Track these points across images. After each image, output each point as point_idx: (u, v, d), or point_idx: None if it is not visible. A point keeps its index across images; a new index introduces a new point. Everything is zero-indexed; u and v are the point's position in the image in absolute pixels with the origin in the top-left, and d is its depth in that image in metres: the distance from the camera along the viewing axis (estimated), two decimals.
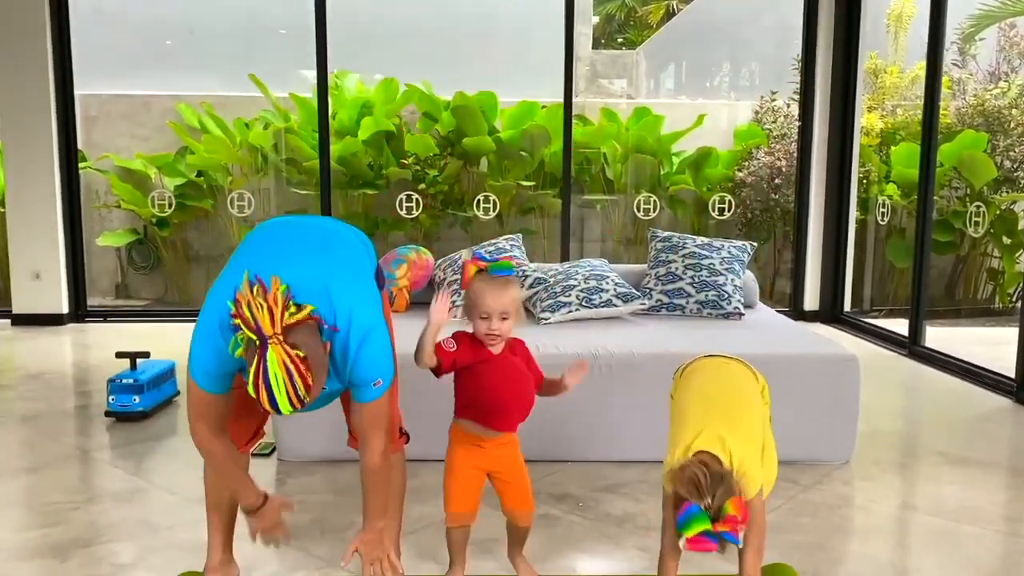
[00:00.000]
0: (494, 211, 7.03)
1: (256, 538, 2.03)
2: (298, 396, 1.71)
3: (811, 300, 6.58)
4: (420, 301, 4.24)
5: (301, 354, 1.71)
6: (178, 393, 4.15)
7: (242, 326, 1.71)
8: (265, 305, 1.71)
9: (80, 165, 6.91)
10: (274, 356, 1.68)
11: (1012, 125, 7.35)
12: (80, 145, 7.05)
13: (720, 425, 1.97)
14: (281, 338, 1.70)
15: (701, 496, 1.78)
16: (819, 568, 2.53)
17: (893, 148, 7.60)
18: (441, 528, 2.73)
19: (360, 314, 1.89)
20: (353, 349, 1.88)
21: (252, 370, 1.69)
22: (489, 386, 2.19)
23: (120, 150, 7.27)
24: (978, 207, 6.71)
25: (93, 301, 6.58)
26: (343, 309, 1.87)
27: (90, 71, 7.04)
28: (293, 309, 1.74)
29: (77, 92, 6.33)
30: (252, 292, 1.73)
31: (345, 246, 2.05)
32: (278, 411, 1.71)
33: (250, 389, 1.70)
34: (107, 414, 3.83)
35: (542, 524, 2.71)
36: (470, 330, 2.16)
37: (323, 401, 2.03)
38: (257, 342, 1.70)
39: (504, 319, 2.10)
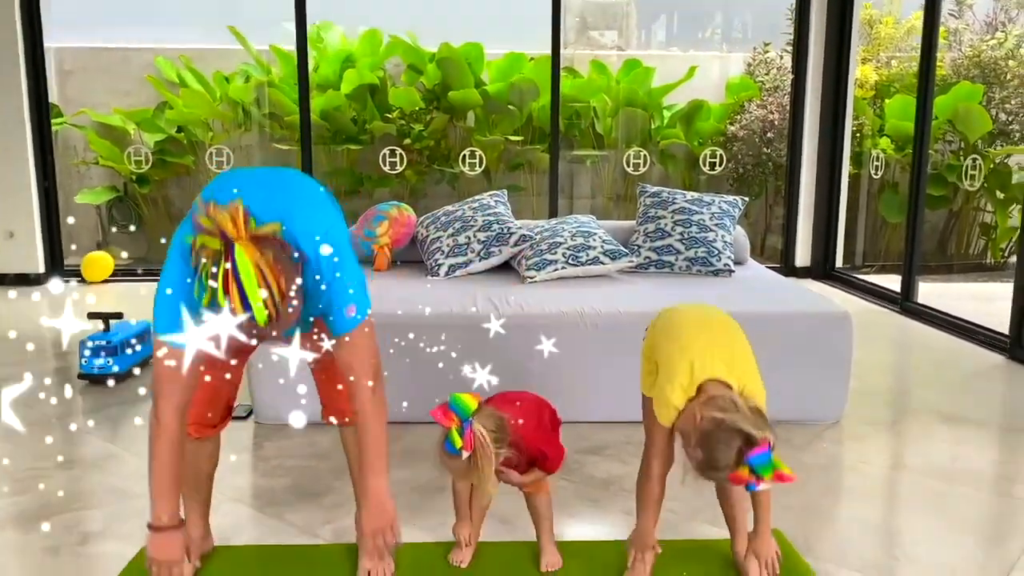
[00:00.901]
0: (481, 167, 6.89)
1: (150, 568, 1.83)
2: (273, 300, 1.58)
3: (803, 256, 6.49)
4: (401, 259, 4.13)
5: (271, 259, 1.59)
6: None
7: (205, 242, 1.59)
8: (227, 214, 1.60)
9: (56, 121, 6.72)
10: (243, 255, 1.56)
11: (1008, 77, 7.21)
12: (55, 100, 6.86)
13: (718, 349, 1.87)
14: (249, 241, 1.58)
15: (754, 436, 1.69)
16: (809, 532, 2.47)
17: (887, 101, 7.45)
18: (427, 492, 2.66)
19: (329, 241, 1.77)
20: (324, 278, 1.76)
21: (221, 272, 1.55)
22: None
23: (97, 105, 7.06)
24: (974, 160, 6.61)
25: (73, 260, 6.44)
26: (308, 238, 1.75)
27: (65, 23, 6.82)
28: (254, 224, 1.62)
29: (51, 45, 6.11)
30: (211, 208, 1.61)
31: (306, 185, 1.93)
32: (252, 315, 1.57)
33: (220, 296, 1.56)
34: (80, 376, 3.73)
35: None
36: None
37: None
38: (223, 250, 1.57)
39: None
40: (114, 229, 7.20)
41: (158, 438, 1.80)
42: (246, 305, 1.56)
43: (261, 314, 1.57)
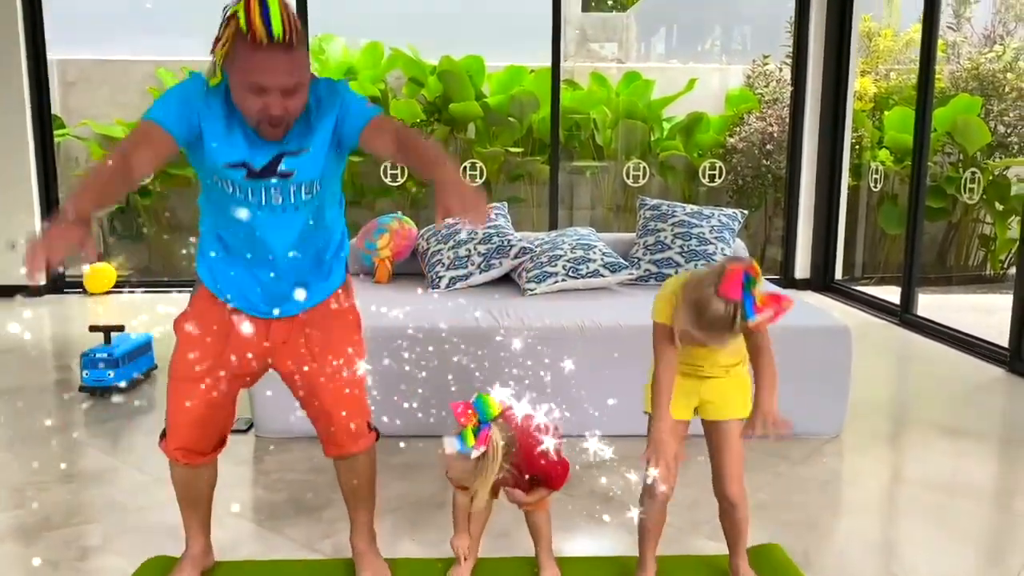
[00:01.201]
0: (481, 178, 6.90)
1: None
2: (290, 20, 1.67)
3: (802, 268, 6.50)
4: (402, 272, 4.14)
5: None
6: (155, 367, 4.05)
7: None
8: None
9: (58, 132, 6.74)
10: None
11: (1006, 89, 7.24)
12: (58, 111, 6.88)
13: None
14: None
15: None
16: (810, 547, 2.47)
17: (886, 113, 7.48)
18: (426, 507, 2.66)
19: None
20: (337, 92, 1.86)
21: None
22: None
23: (99, 117, 7.09)
24: (973, 173, 6.63)
25: (74, 271, 6.44)
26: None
27: (69, 36, 6.84)
28: None
29: (54, 57, 6.14)
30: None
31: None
32: (269, 26, 1.65)
33: (240, 14, 1.66)
34: (81, 389, 3.73)
35: None
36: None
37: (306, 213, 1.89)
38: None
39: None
40: (116, 240, 7.22)
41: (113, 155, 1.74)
42: (265, 16, 1.64)
43: (277, 23, 1.65)
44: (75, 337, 4.81)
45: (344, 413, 2.01)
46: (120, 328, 3.90)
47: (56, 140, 6.32)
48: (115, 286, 6.29)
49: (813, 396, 3.26)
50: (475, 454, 1.80)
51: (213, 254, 1.93)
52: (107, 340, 3.83)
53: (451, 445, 1.82)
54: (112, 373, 3.71)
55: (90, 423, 3.50)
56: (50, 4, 6.00)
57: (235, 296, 1.94)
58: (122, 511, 2.67)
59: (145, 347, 4.00)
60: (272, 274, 1.91)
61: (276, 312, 1.93)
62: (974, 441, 3.32)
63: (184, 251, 7.10)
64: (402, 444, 2.82)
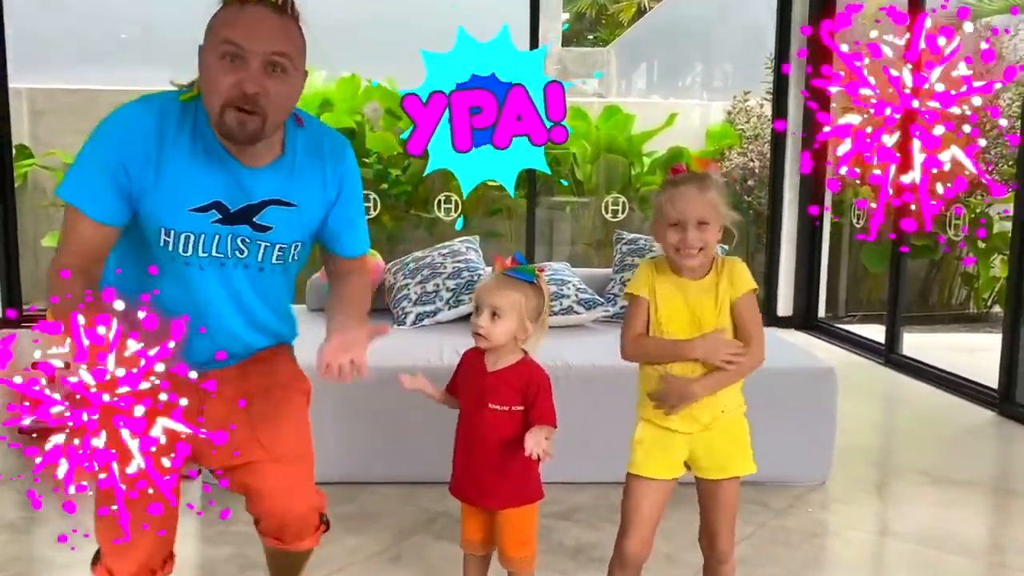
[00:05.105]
0: (457, 212, 6.76)
1: None
2: None
3: (784, 306, 6.36)
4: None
5: None
6: None
7: None
8: None
9: (25, 162, 6.56)
10: None
11: (987, 127, 7.21)
12: (26, 141, 6.71)
13: None
14: None
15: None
16: None
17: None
18: (381, 562, 2.45)
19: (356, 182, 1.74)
20: (345, 173, 1.67)
21: None
22: (461, 415, 1.98)
23: (68, 146, 6.90)
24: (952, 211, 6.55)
25: (41, 304, 6.22)
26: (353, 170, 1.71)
27: (37, 64, 6.70)
28: None
29: (22, 86, 5.97)
30: None
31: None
32: None
33: None
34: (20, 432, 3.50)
35: None
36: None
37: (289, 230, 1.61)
38: None
39: (496, 318, 1.87)
40: None
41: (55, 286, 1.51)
42: None
43: None
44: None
45: (294, 503, 1.72)
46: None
47: (23, 170, 6.14)
48: None
49: (797, 441, 3.09)
50: (540, 276, 1.93)
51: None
52: None
53: (511, 272, 1.91)
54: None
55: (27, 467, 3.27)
56: (16, 32, 5.86)
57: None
58: (47, 568, 2.45)
59: None
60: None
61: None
62: (964, 490, 3.15)
63: None
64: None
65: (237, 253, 1.57)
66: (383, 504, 2.80)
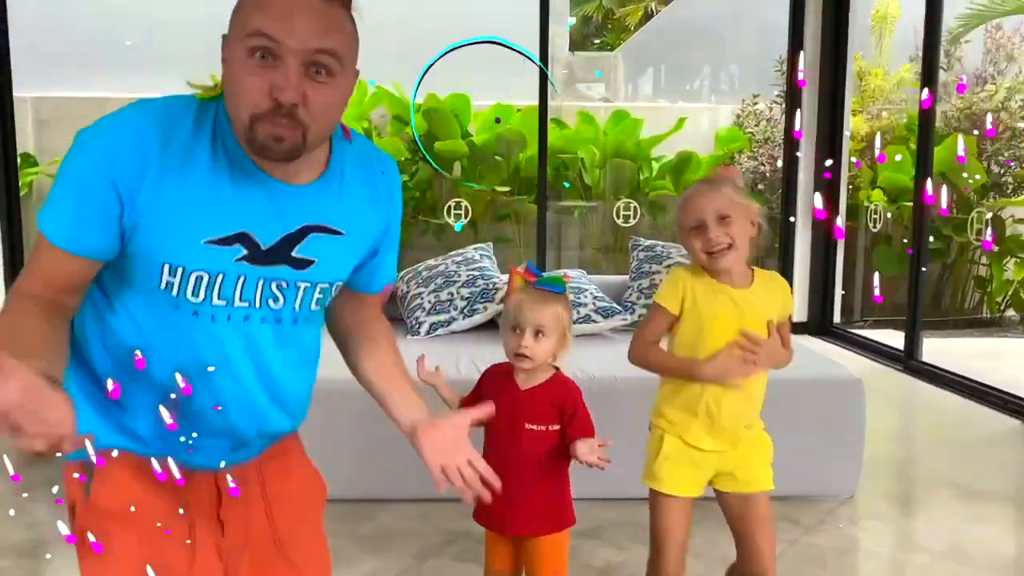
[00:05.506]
0: (466, 218, 6.70)
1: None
2: None
3: (799, 311, 6.28)
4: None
5: None
6: None
7: None
8: None
9: (31, 170, 6.50)
10: None
11: (1000, 129, 7.13)
12: (31, 150, 6.65)
13: None
14: None
15: None
16: None
17: (879, 152, 7.36)
18: None
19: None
20: (394, 201, 1.34)
21: None
22: (489, 437, 1.87)
23: None
24: (980, 214, 6.48)
25: None
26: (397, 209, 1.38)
27: (42, 73, 6.65)
28: None
29: (27, 95, 5.92)
30: None
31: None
32: None
33: None
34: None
35: None
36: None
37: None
38: None
39: (540, 337, 1.79)
40: None
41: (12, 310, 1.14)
42: None
43: None
44: None
45: None
46: None
47: (28, 179, 6.09)
48: None
49: (826, 454, 3.01)
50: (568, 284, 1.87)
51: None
52: None
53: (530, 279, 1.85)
54: None
55: (32, 487, 3.20)
56: (22, 41, 5.81)
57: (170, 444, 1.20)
58: None
59: None
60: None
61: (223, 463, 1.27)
62: (994, 503, 3.07)
63: None
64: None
65: (269, 302, 1.21)
66: (401, 524, 2.72)
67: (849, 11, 5.86)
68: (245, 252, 1.16)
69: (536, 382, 1.85)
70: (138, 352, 1.15)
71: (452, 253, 4.08)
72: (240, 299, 1.18)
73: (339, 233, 1.23)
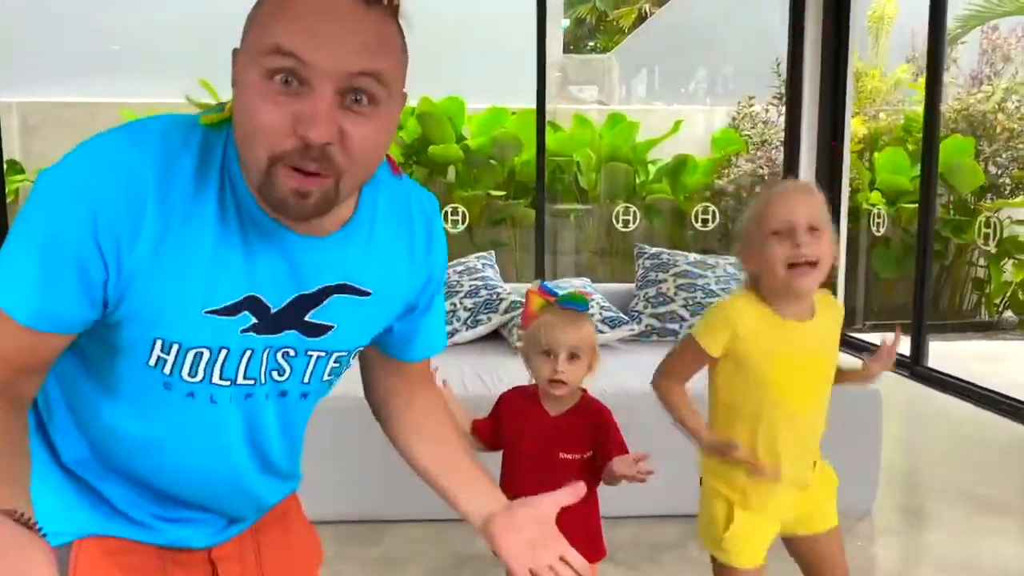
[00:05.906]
0: (463, 223, 6.61)
1: None
2: None
3: None
4: None
5: None
6: None
7: None
8: None
9: (17, 178, 6.37)
10: None
11: (998, 130, 7.10)
12: (17, 156, 6.52)
13: None
14: None
15: None
16: None
17: (876, 154, 7.31)
18: None
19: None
20: (424, 211, 1.08)
21: None
22: (516, 467, 1.76)
23: None
24: (987, 217, 6.43)
25: None
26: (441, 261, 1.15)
27: (28, 78, 6.53)
28: None
29: (14, 100, 5.80)
30: None
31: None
32: None
33: None
34: None
35: None
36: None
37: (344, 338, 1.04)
38: None
39: (573, 360, 1.70)
40: None
41: None
42: None
43: None
44: None
45: None
46: None
47: (14, 186, 5.96)
48: None
49: (843, 468, 2.90)
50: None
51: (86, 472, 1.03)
52: None
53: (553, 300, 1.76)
54: None
55: None
56: (6, 45, 5.69)
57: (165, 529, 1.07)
58: None
59: None
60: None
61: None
62: (1012, 516, 3.00)
63: None
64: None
65: (274, 375, 1.00)
66: (410, 547, 2.63)
67: (850, 10, 5.81)
68: (254, 321, 0.94)
69: (566, 407, 1.77)
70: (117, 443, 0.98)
71: (453, 263, 3.98)
72: (245, 376, 0.97)
73: (366, 293, 1.01)
